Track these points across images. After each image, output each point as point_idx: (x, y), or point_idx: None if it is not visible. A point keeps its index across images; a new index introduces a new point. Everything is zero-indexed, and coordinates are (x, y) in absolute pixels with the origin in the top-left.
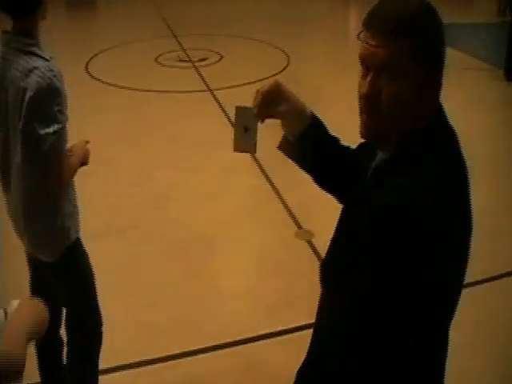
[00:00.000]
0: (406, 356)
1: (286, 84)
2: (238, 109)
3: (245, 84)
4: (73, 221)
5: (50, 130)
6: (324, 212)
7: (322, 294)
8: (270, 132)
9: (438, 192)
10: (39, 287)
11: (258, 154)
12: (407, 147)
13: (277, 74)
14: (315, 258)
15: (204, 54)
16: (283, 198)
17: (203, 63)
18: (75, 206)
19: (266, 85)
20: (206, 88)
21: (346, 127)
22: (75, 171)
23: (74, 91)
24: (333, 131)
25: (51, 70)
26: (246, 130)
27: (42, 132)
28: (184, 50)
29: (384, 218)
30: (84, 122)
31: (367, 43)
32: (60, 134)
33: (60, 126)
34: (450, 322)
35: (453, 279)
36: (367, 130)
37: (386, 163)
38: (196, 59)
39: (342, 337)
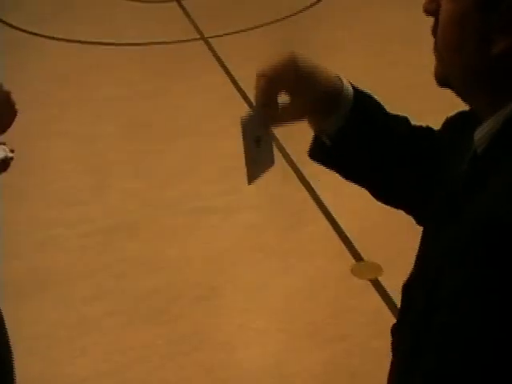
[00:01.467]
0: None
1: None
2: (243, 121)
3: (258, 26)
4: None
5: None
6: (396, 235)
7: (393, 366)
8: None
9: None
10: None
11: (284, 146)
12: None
13: (309, 7)
14: (386, 309)
15: None
16: (332, 214)
17: None
18: None
19: (269, 65)
20: (196, 35)
21: (413, 90)
22: None
23: None
24: (391, 95)
25: None
26: (258, 142)
27: None
28: None
29: (495, 238)
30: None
31: None
32: None
33: None
34: None
35: None
36: (435, 68)
37: (488, 148)
38: None
39: None
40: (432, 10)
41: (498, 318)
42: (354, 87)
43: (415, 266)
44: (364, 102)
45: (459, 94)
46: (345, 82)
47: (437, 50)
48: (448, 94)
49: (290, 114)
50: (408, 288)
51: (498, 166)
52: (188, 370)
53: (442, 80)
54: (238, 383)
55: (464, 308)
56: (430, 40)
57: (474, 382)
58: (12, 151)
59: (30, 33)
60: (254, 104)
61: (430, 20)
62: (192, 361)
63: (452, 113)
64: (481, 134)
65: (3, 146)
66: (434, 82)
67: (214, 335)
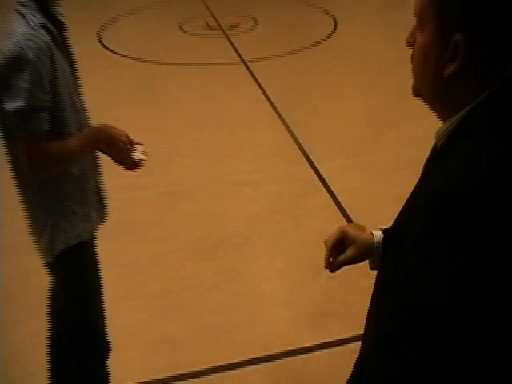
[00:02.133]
0: None
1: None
2: None
3: (285, 54)
4: (70, 223)
5: (14, 105)
6: (380, 204)
7: (376, 288)
8: (313, 113)
9: (496, 171)
10: (51, 291)
11: (300, 137)
12: (466, 121)
13: (322, 41)
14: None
15: (236, 19)
16: (330, 187)
17: (235, 30)
18: (77, 207)
19: (331, 236)
20: (239, 59)
21: (404, 104)
22: (64, 160)
23: (84, 64)
24: (389, 106)
25: (29, 40)
26: None
27: (8, 106)
28: (213, 16)
29: (434, 211)
30: (94, 102)
31: None
32: (26, 115)
33: (24, 105)
34: None
35: None
36: (413, 86)
37: (444, 143)
38: (227, 26)
39: (387, 351)
40: (411, 43)
41: (446, 259)
42: (383, 230)
43: (393, 224)
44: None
45: (427, 103)
46: (375, 234)
47: (412, 71)
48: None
49: (346, 263)
50: (387, 238)
51: (450, 155)
52: (225, 295)
53: (416, 92)
54: (262, 304)
55: (420, 251)
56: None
57: (429, 310)
58: (145, 153)
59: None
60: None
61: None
62: (229, 288)
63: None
64: (439, 132)
65: (140, 148)
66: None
67: (245, 271)
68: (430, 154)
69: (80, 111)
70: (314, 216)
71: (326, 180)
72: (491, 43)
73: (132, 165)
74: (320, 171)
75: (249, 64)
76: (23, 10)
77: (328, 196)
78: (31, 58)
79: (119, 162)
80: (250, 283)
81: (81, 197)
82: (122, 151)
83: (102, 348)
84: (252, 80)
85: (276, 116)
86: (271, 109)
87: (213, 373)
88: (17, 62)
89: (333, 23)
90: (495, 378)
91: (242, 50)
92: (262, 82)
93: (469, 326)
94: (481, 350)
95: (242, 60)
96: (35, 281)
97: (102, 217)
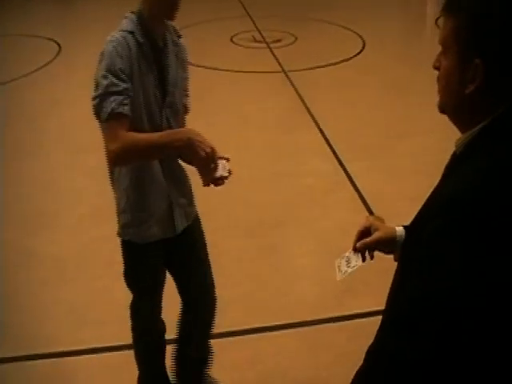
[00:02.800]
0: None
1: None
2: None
3: (319, 67)
4: (126, 220)
5: (95, 93)
6: (397, 200)
7: (396, 274)
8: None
9: (506, 183)
10: None
11: (331, 139)
12: (482, 135)
13: (352, 58)
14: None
15: (278, 35)
16: (356, 183)
17: (278, 44)
18: (134, 211)
19: (360, 224)
20: (280, 69)
21: (421, 114)
22: (139, 149)
23: None
24: (407, 118)
25: (112, 37)
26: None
27: (93, 94)
28: (259, 31)
29: (448, 212)
30: None
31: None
32: (101, 99)
33: (100, 91)
34: None
35: None
36: (438, 103)
37: (463, 151)
38: (270, 40)
39: (405, 325)
40: (437, 66)
41: (452, 254)
42: (404, 227)
43: (413, 220)
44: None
45: (449, 117)
46: (397, 228)
47: (438, 91)
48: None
49: (372, 244)
50: (407, 232)
51: (466, 163)
52: (264, 268)
53: (441, 109)
54: (294, 278)
55: (434, 245)
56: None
57: (437, 300)
58: (229, 171)
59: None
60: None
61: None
62: (267, 263)
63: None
64: (459, 142)
65: (225, 163)
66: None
67: (281, 249)
68: (450, 160)
69: (159, 124)
70: (340, 207)
71: (352, 177)
72: (506, 68)
73: (211, 179)
74: (347, 169)
75: (288, 73)
76: (128, 14)
77: (353, 191)
78: (109, 49)
79: (200, 172)
80: (284, 259)
81: (141, 204)
82: (202, 160)
83: (152, 343)
84: (291, 87)
85: (311, 120)
86: (307, 113)
87: (250, 333)
88: (100, 57)
89: (361, 44)
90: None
91: (283, 62)
92: (299, 90)
93: (469, 308)
94: (481, 336)
95: (283, 70)
96: None
97: (165, 232)
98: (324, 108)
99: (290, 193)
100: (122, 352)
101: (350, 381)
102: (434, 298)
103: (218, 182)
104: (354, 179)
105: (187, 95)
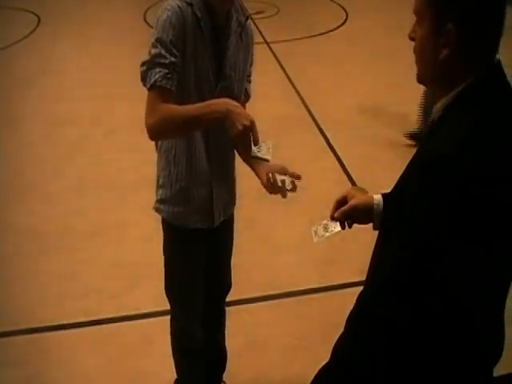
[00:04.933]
0: (449, 315)
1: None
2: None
3: (302, 38)
4: (165, 201)
5: (144, 59)
6: (380, 171)
7: (377, 242)
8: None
9: (487, 138)
10: None
11: (314, 111)
12: (458, 98)
13: (335, 29)
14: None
15: (261, 6)
16: (338, 154)
17: (260, 16)
18: (173, 195)
19: (337, 198)
20: (262, 40)
21: (404, 83)
22: (176, 119)
23: (131, 41)
24: (391, 88)
25: (169, 5)
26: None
27: (143, 59)
28: (240, 2)
29: (431, 169)
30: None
31: None
32: (147, 68)
33: (148, 58)
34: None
35: (504, 236)
36: (417, 74)
37: (441, 116)
38: (253, 11)
39: (386, 283)
40: (412, 37)
41: (434, 214)
42: (383, 195)
43: (393, 188)
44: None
45: (427, 85)
46: (375, 196)
47: (415, 62)
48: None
49: (347, 212)
50: (387, 199)
51: (444, 125)
52: (245, 241)
53: (419, 79)
54: (276, 250)
55: (416, 203)
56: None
57: (418, 253)
58: (294, 189)
59: None
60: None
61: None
62: (248, 235)
63: None
64: (437, 107)
65: (268, 145)
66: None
67: (262, 221)
68: (429, 126)
69: None
70: (323, 179)
71: (335, 148)
72: (478, 31)
73: (247, 157)
74: (330, 140)
75: (271, 45)
76: None
77: (336, 162)
78: (163, 18)
79: (238, 146)
80: (266, 231)
81: (182, 184)
82: (240, 133)
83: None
84: (274, 59)
85: (293, 90)
86: (289, 84)
87: (232, 305)
88: (156, 23)
89: (344, 15)
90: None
91: (266, 33)
92: (282, 61)
93: (447, 263)
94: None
95: (265, 41)
96: None
97: (204, 222)
98: (307, 79)
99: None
100: (103, 326)
101: (333, 347)
102: (413, 257)
103: (279, 191)
104: (337, 150)
105: (249, 81)
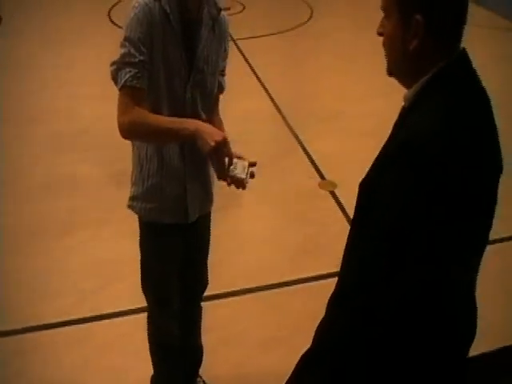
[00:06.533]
0: (424, 298)
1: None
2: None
3: (268, 35)
4: (138, 193)
5: (114, 59)
6: (348, 164)
7: (351, 228)
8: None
9: (455, 123)
10: None
11: (281, 106)
12: (428, 84)
13: (301, 25)
14: (337, 209)
15: (227, 3)
16: (306, 148)
17: (226, 13)
18: (143, 189)
19: None
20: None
21: (372, 81)
22: (145, 128)
23: (95, 41)
24: (356, 85)
25: (137, 2)
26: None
27: (112, 59)
28: None
29: (400, 157)
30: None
31: None
32: (117, 69)
33: (116, 59)
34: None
35: (473, 219)
36: (387, 68)
37: (410, 104)
38: None
39: (362, 269)
40: (380, 32)
41: (404, 200)
42: None
43: (367, 173)
44: None
45: (397, 77)
46: None
47: (385, 56)
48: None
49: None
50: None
51: (414, 111)
52: (213, 234)
53: (388, 72)
54: (246, 244)
55: (388, 193)
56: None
57: (392, 238)
58: (251, 174)
59: None
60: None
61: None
62: (217, 228)
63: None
64: (406, 96)
65: (245, 164)
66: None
67: (233, 214)
68: (399, 115)
69: (181, 102)
70: (292, 172)
71: (303, 142)
72: (445, 19)
73: (225, 175)
74: (298, 135)
75: (237, 42)
76: None
77: (304, 156)
78: (130, 16)
79: (212, 164)
80: (236, 225)
81: (154, 180)
82: (211, 150)
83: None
84: (240, 56)
85: (261, 87)
86: (256, 80)
87: (205, 301)
88: (125, 22)
89: (309, 11)
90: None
91: (231, 30)
92: (248, 58)
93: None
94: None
95: (231, 38)
96: None
97: (178, 217)
98: (274, 75)
99: None
100: (79, 326)
101: (314, 332)
102: (387, 241)
103: (238, 183)
104: (305, 144)
105: (223, 74)
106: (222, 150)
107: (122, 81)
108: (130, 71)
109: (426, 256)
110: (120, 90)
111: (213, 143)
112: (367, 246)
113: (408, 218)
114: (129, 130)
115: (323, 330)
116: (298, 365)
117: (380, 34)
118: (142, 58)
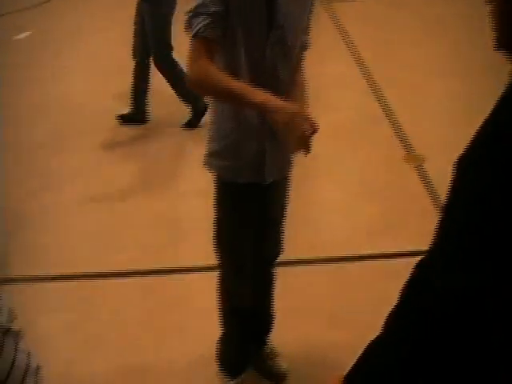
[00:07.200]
0: None
1: None
2: None
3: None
4: (217, 150)
5: (190, 7)
6: (438, 137)
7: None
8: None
9: None
10: None
11: (369, 72)
12: None
13: None
14: (422, 185)
15: None
16: (394, 118)
17: None
18: (223, 147)
19: None
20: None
21: (469, 57)
22: (213, 87)
23: None
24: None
25: None
26: None
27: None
28: None
29: (494, 135)
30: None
31: None
32: (191, 17)
33: (191, 8)
34: None
35: None
36: (496, 39)
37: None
38: None
39: (455, 251)
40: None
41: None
42: None
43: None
44: None
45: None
46: None
47: (494, 25)
48: None
49: None
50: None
51: None
52: (293, 201)
53: (500, 44)
54: (324, 212)
55: (481, 174)
56: None
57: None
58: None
59: None
60: None
61: None
62: (296, 195)
63: None
64: None
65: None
66: None
67: (314, 180)
68: (504, 90)
69: (260, 59)
70: (374, 143)
71: (391, 112)
72: None
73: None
74: (387, 104)
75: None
76: None
77: (391, 126)
78: None
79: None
80: (315, 193)
81: (232, 138)
82: (276, 124)
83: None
84: (329, 18)
85: (349, 53)
86: (345, 45)
87: (278, 266)
88: None
89: None
90: None
91: None
92: (340, 20)
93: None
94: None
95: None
96: None
97: (255, 177)
98: (365, 41)
99: (325, 126)
100: (145, 277)
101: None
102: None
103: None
104: (394, 115)
105: (307, 33)
106: (291, 126)
107: (195, 29)
108: (204, 20)
109: None
110: (192, 38)
111: (282, 120)
112: (462, 226)
113: (499, 200)
114: (197, 84)
115: (397, 317)
116: (364, 352)
117: (489, 2)
118: (215, 8)
